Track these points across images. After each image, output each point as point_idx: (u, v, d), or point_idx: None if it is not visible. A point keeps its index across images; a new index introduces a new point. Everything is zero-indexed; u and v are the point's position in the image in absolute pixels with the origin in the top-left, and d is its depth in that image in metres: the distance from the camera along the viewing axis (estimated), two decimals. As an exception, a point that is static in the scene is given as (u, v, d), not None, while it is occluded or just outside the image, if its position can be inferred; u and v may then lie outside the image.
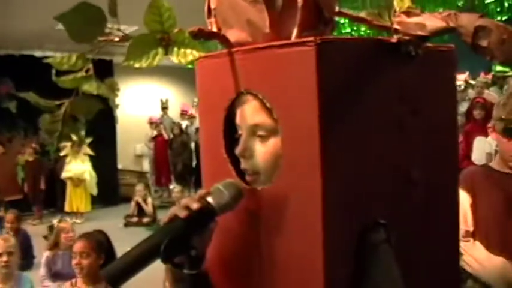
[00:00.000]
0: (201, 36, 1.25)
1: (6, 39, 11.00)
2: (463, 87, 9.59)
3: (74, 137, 1.48)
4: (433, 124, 1.31)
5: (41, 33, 9.76)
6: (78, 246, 4.11)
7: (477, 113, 7.71)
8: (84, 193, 11.48)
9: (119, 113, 12.94)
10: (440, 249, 1.34)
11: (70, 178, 11.34)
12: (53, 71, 1.38)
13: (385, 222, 1.17)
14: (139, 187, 11.23)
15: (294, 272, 1.18)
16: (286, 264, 1.21)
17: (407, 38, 1.20)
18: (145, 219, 10.69)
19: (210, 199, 1.19)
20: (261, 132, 1.24)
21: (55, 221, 6.41)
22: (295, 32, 1.24)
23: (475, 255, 2.50)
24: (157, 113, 14.13)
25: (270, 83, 1.19)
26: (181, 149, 13.12)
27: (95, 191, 11.64)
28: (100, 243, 4.23)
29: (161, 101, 14.25)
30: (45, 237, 6.43)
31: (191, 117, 13.46)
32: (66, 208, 11.30)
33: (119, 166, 14.21)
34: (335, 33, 1.41)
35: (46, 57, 1.44)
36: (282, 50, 1.16)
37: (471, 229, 2.55)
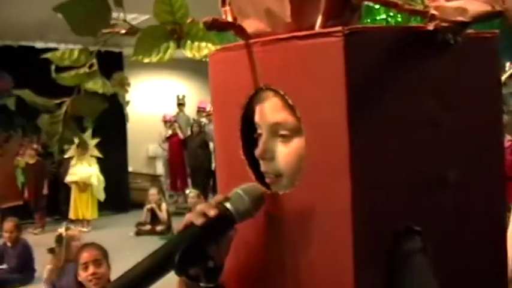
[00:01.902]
0: (216, 27, 1.25)
1: (3, 28, 11.02)
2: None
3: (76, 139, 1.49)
4: (472, 121, 1.29)
5: (41, 22, 9.77)
6: (90, 254, 4.11)
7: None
8: (91, 199, 11.54)
9: (130, 111, 12.99)
10: (482, 260, 1.33)
11: (75, 182, 11.40)
12: (53, 67, 1.38)
13: (420, 230, 1.16)
14: (153, 192, 11.26)
15: (320, 283, 1.19)
16: (311, 275, 1.21)
17: (445, 24, 1.16)
18: (159, 227, 10.74)
19: (228, 205, 1.20)
20: (282, 132, 1.24)
21: (61, 230, 6.36)
22: (319, 21, 1.24)
23: None
24: (171, 111, 14.13)
25: (292, 77, 1.19)
26: (199, 150, 13.10)
27: (102, 197, 11.67)
28: (106, 252, 4.24)
29: (177, 97, 14.26)
30: (51, 251, 6.33)
31: (209, 115, 13.32)
32: (71, 215, 11.35)
33: (130, 169, 14.25)
34: (368, 20, 1.40)
35: (48, 49, 1.46)
36: (306, 41, 1.16)
37: None
